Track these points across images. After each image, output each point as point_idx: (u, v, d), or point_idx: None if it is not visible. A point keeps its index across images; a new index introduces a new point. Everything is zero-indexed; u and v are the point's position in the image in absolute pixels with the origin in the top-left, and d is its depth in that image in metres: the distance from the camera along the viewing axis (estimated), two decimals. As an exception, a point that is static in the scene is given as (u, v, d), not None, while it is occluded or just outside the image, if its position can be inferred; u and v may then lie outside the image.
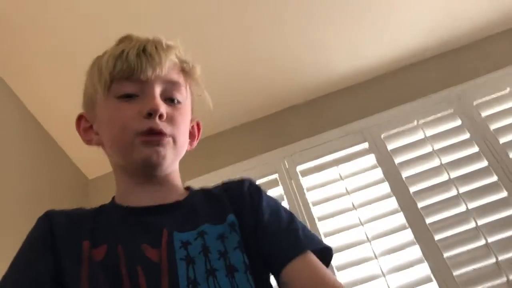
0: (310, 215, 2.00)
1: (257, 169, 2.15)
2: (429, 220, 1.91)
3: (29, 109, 2.02)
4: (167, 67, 0.81)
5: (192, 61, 0.87)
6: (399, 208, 1.96)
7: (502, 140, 2.02)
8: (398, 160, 2.08)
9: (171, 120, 0.79)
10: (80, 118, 0.87)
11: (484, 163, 1.98)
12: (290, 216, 0.82)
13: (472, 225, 1.87)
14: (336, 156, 2.17)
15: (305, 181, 2.13)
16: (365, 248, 1.91)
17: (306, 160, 2.18)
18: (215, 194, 0.83)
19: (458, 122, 2.11)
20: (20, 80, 1.92)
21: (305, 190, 2.09)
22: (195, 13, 1.89)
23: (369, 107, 2.26)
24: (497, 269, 1.78)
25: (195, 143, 0.91)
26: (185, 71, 0.86)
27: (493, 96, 2.13)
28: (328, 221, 2.00)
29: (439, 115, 2.15)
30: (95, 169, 2.33)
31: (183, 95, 0.84)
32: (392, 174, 2.04)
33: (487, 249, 1.82)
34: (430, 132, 2.12)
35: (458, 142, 2.06)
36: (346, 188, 2.05)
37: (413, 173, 2.04)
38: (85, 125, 0.86)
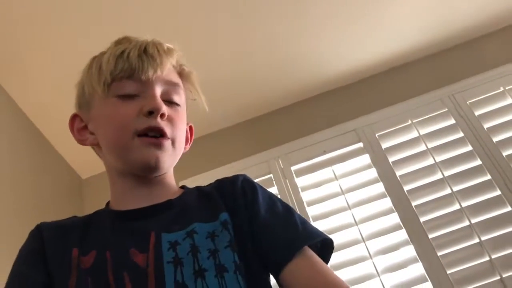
0: (305, 214, 2.00)
1: (252, 169, 2.15)
2: (423, 219, 1.92)
3: (23, 110, 2.02)
4: (168, 68, 0.81)
5: (189, 66, 0.88)
6: (393, 208, 1.97)
7: (496, 139, 2.03)
8: (392, 159, 2.08)
9: (171, 121, 0.79)
10: (74, 117, 0.86)
11: (477, 162, 1.99)
12: (287, 209, 0.80)
13: (465, 223, 1.88)
14: (331, 155, 2.17)
15: (300, 181, 2.13)
16: (360, 247, 1.91)
17: (301, 160, 2.18)
18: (208, 192, 0.82)
19: (451, 121, 2.12)
20: (15, 82, 1.91)
21: (299, 190, 2.10)
22: (189, 16, 1.88)
23: (363, 107, 2.27)
24: (491, 267, 1.79)
25: (188, 146, 0.91)
26: (183, 75, 0.87)
27: (486, 95, 2.14)
28: (323, 221, 2.00)
29: (432, 114, 2.16)
30: (88, 169, 2.33)
31: (182, 98, 0.84)
32: (386, 173, 2.05)
33: (481, 248, 1.82)
34: (424, 131, 2.12)
35: (452, 141, 2.07)
36: (340, 188, 2.05)
37: (407, 171, 2.04)
38: (79, 125, 0.85)
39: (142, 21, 1.82)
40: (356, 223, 1.96)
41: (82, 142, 0.85)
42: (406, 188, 2.00)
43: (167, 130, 0.78)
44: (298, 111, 2.38)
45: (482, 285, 1.77)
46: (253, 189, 0.81)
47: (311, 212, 2.03)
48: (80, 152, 2.22)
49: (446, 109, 2.15)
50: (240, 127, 2.41)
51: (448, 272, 1.80)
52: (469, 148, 2.03)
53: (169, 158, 0.79)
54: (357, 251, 1.91)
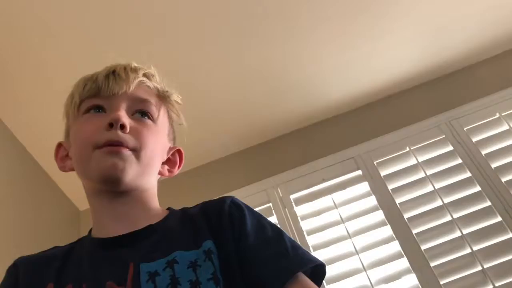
0: (305, 244, 1.98)
1: (251, 198, 2.13)
2: (424, 247, 1.90)
3: (21, 141, 2.01)
4: (135, 85, 0.81)
5: (168, 87, 0.87)
6: (394, 236, 1.95)
7: (494, 164, 2.03)
8: (391, 186, 2.08)
9: (136, 134, 0.77)
10: (58, 147, 0.87)
11: (476, 188, 1.99)
12: (277, 233, 0.76)
13: (467, 250, 1.86)
14: (330, 183, 2.16)
15: (299, 210, 2.11)
16: (361, 277, 1.88)
17: (300, 189, 2.17)
18: (192, 216, 0.78)
19: (449, 148, 2.12)
20: (11, 112, 1.91)
21: (299, 219, 2.08)
22: (185, 37, 1.90)
23: (362, 134, 2.27)
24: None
25: (176, 170, 0.89)
26: (161, 96, 0.86)
27: (483, 121, 2.15)
28: (323, 250, 1.97)
29: (430, 141, 2.16)
30: (86, 200, 2.30)
31: (154, 114, 0.83)
32: (386, 200, 2.04)
33: (483, 275, 1.80)
34: (422, 158, 2.12)
35: (450, 167, 2.07)
36: (340, 216, 2.04)
37: (407, 199, 2.03)
38: (62, 154, 0.86)
39: (133, 50, 1.81)
40: (357, 252, 1.93)
41: (63, 168, 0.85)
42: (406, 215, 1.99)
43: (129, 142, 0.76)
44: (296, 139, 2.39)
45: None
46: (241, 214, 0.77)
47: (311, 241, 2.01)
48: (77, 184, 2.21)
49: (444, 136, 2.15)
50: (237, 156, 2.40)
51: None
52: (468, 174, 2.03)
53: (133, 169, 0.75)
54: (359, 280, 1.88)
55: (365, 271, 1.88)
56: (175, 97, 0.88)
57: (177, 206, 0.86)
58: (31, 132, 2.00)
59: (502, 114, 2.14)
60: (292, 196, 2.16)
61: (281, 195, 2.17)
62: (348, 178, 2.16)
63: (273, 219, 2.07)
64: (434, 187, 2.02)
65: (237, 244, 0.72)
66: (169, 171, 0.88)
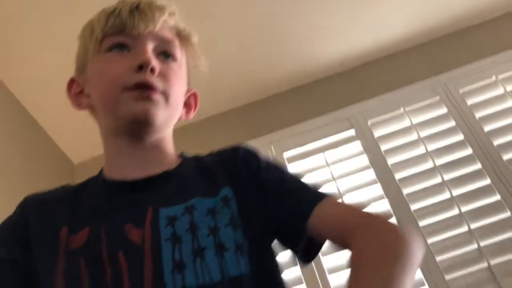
0: (296, 201, 2.01)
1: (244, 155, 2.15)
2: (414, 207, 1.93)
3: (15, 95, 2.00)
4: (160, 24, 0.78)
5: (189, 28, 0.84)
6: (384, 195, 1.98)
7: (487, 128, 2.04)
8: (384, 147, 2.09)
9: (164, 76, 0.76)
10: (71, 82, 0.84)
11: (468, 151, 2.00)
12: (293, 174, 0.77)
13: (455, 211, 1.89)
14: (323, 142, 2.17)
15: (292, 168, 2.13)
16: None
17: (293, 147, 2.18)
18: (208, 164, 0.78)
19: (444, 110, 2.12)
20: (6, 66, 1.89)
21: (292, 177, 2.09)
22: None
23: (356, 94, 2.27)
24: (479, 254, 1.81)
25: (192, 114, 0.88)
26: (181, 36, 0.83)
27: (479, 84, 2.14)
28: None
29: (425, 102, 2.16)
30: (81, 154, 2.32)
31: (178, 55, 0.81)
32: (378, 160, 2.06)
33: (470, 236, 1.84)
34: (416, 119, 2.13)
35: (444, 130, 2.08)
36: (332, 175, 2.06)
37: (399, 160, 2.05)
38: (76, 90, 0.83)
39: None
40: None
41: (78, 106, 0.82)
42: (397, 176, 2.01)
43: (159, 85, 0.75)
44: (290, 98, 2.38)
45: (471, 271, 1.79)
46: (256, 160, 0.77)
47: (303, 198, 2.03)
48: (72, 137, 2.23)
49: (438, 98, 2.15)
50: (232, 114, 2.40)
51: (437, 258, 1.81)
52: (460, 137, 2.04)
53: (162, 113, 0.75)
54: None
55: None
56: (195, 38, 0.86)
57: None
58: (27, 87, 1.98)
59: (499, 77, 2.13)
60: (285, 154, 2.17)
61: (274, 153, 2.18)
62: (341, 138, 2.17)
63: (265, 176, 2.08)
64: (426, 149, 2.04)
65: (255, 187, 0.73)
66: (186, 113, 0.87)
